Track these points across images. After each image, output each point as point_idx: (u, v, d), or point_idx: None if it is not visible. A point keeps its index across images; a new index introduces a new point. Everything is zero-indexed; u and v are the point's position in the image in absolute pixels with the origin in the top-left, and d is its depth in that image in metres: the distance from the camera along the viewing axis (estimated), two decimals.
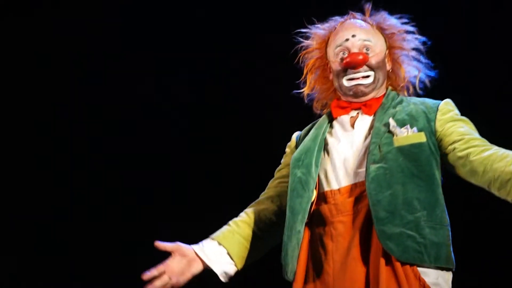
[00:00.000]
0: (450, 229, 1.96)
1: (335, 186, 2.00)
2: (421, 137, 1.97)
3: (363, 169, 1.96)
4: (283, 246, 2.00)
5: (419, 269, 1.87)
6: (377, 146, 1.97)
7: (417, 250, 1.86)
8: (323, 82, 2.21)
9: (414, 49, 2.16)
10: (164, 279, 2.00)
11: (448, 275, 1.93)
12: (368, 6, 2.17)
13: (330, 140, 2.07)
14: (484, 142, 1.94)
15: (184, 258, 2.05)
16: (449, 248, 1.94)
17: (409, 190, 1.91)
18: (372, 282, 1.86)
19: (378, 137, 1.99)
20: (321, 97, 2.22)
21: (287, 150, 2.24)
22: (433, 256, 1.88)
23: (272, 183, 2.21)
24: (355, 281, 1.88)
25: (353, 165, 2.00)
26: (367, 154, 1.97)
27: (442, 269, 1.92)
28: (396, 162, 1.94)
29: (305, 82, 2.23)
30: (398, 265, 1.86)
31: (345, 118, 2.08)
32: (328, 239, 1.95)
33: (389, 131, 1.99)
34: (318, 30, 2.20)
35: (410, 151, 1.96)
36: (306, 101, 2.24)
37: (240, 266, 2.11)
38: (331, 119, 2.12)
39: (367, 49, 2.08)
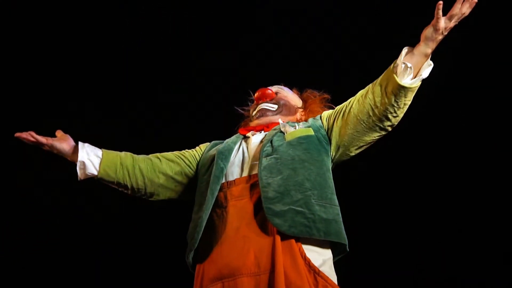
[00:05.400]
0: (339, 210, 2.08)
1: (230, 178, 2.15)
2: (309, 131, 2.18)
3: (256, 162, 2.12)
4: (199, 221, 2.06)
5: (304, 246, 1.97)
6: (269, 142, 2.15)
7: (305, 225, 1.95)
8: None
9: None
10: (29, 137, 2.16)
11: (331, 260, 2.02)
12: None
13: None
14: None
15: (63, 138, 2.22)
16: (340, 225, 2.03)
17: (300, 174, 2.05)
18: (259, 256, 1.95)
19: (271, 136, 2.19)
20: None
21: (199, 146, 2.45)
22: (323, 230, 1.96)
23: (174, 152, 2.41)
24: (243, 257, 1.97)
25: (248, 160, 2.16)
26: (260, 150, 2.14)
27: (328, 248, 2.02)
28: (287, 153, 2.10)
29: None
30: (288, 241, 1.94)
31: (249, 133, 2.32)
32: (220, 221, 2.07)
33: (281, 131, 2.20)
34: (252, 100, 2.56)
35: (299, 142, 2.13)
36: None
37: (100, 174, 2.24)
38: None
39: (277, 93, 2.43)
